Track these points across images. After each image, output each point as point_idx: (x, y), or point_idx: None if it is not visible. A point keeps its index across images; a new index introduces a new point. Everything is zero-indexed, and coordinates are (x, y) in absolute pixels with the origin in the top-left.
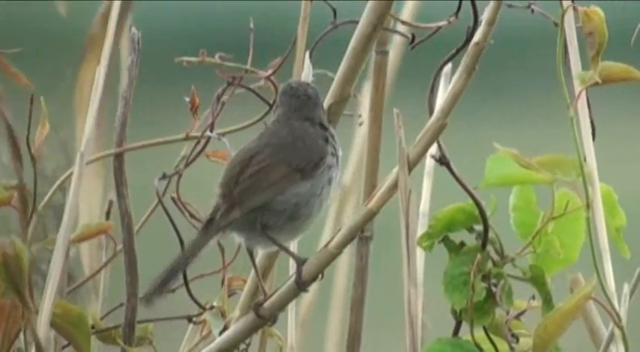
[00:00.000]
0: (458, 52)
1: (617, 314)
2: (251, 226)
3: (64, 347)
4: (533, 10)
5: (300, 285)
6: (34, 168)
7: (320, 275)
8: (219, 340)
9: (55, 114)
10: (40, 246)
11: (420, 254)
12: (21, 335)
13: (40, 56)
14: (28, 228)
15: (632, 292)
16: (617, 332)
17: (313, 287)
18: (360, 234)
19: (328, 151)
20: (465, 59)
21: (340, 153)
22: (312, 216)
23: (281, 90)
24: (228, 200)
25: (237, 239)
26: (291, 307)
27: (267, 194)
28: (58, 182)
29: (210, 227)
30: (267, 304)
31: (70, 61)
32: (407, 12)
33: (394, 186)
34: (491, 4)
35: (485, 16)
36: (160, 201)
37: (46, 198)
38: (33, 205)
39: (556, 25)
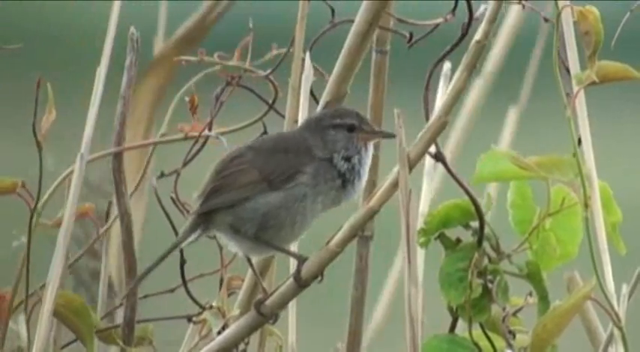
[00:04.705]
0: (453, 48)
1: (617, 315)
2: (233, 231)
3: (63, 346)
4: (524, 6)
5: (299, 281)
6: (40, 155)
7: (320, 277)
8: (220, 338)
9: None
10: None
11: (419, 252)
12: (23, 333)
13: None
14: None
15: (631, 292)
16: (616, 332)
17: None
18: (360, 234)
19: (306, 169)
20: (465, 57)
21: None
22: (284, 228)
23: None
24: (201, 198)
25: (230, 247)
26: (291, 305)
27: (228, 197)
28: (59, 179)
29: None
30: (268, 302)
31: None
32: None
33: (395, 185)
34: (492, 2)
35: (486, 14)
36: (159, 200)
37: (46, 196)
38: (38, 193)
39: (546, 20)
